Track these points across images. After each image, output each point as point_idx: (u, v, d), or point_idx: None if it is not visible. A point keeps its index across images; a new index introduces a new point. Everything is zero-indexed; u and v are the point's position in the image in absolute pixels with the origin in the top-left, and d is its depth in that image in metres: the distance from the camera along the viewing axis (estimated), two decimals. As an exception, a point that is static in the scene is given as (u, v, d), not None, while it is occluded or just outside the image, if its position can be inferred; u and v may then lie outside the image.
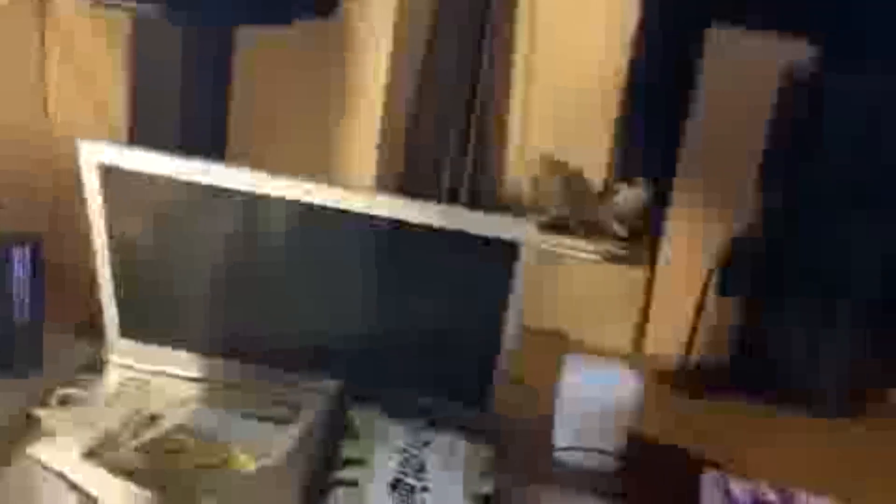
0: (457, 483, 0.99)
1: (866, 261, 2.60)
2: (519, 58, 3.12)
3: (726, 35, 2.73)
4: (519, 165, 3.18)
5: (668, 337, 2.77)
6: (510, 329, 1.11)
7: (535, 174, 3.11)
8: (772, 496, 1.09)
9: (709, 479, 1.16)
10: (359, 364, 1.14)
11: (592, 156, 3.15)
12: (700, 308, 2.70)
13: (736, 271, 2.69)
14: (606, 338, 2.82)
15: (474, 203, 3.03)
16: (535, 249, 1.11)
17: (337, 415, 1.07)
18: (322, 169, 2.73)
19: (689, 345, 2.69)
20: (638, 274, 2.87)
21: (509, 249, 1.07)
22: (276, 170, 1.16)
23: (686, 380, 2.64)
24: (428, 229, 1.08)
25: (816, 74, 2.64)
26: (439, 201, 1.12)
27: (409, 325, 1.13)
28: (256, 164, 1.17)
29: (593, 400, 1.20)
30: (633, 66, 3.06)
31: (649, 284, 2.86)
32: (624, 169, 3.13)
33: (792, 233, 2.63)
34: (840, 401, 2.61)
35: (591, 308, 2.84)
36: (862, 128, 2.58)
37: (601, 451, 1.19)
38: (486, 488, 1.02)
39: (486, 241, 1.07)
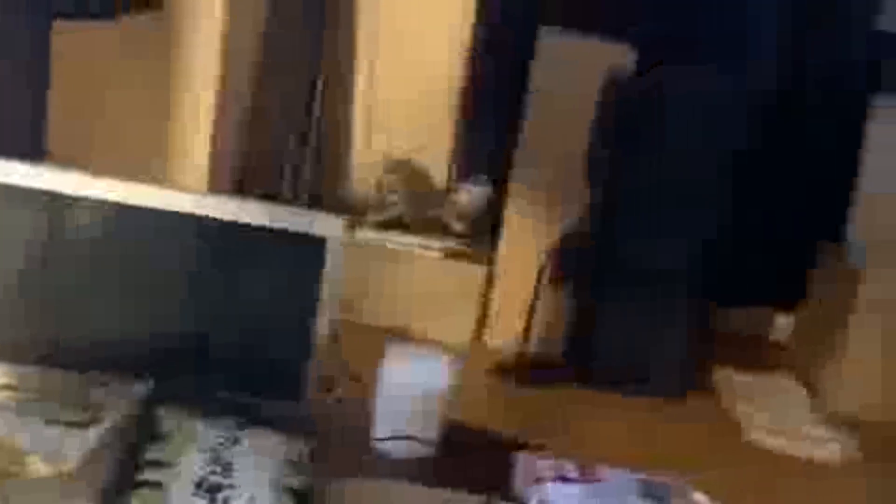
0: (265, 479, 0.99)
1: (683, 250, 2.77)
2: (362, 62, 3.13)
3: (555, 39, 2.84)
4: (363, 166, 3.20)
5: (507, 329, 2.86)
6: (324, 323, 1.11)
7: (379, 175, 3.14)
8: (573, 472, 1.14)
9: (518, 459, 1.21)
10: (170, 364, 1.12)
11: (435, 156, 3.21)
12: (535, 299, 2.79)
13: (569, 260, 2.80)
14: (448, 332, 2.87)
15: (315, 203, 3.02)
16: (346, 244, 1.12)
17: (145, 417, 1.04)
18: (152, 167, 2.65)
19: (525, 335, 2.78)
20: (478, 269, 2.94)
21: (319, 245, 1.07)
22: (101, 170, 1.13)
23: (520, 369, 2.73)
24: (236, 225, 1.07)
25: (636, 78, 2.79)
26: (277, 201, 1.11)
27: (222, 323, 1.12)
28: (81, 165, 1.14)
29: (411, 387, 1.22)
30: (472, 70, 3.14)
31: (489, 279, 2.94)
32: (465, 169, 3.20)
33: (615, 225, 2.77)
34: (666, 382, 2.76)
35: (432, 304, 2.89)
36: (677, 129, 2.74)
37: (417, 439, 1.22)
38: (300, 482, 1.02)
39: (296, 236, 1.07)
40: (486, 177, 3.08)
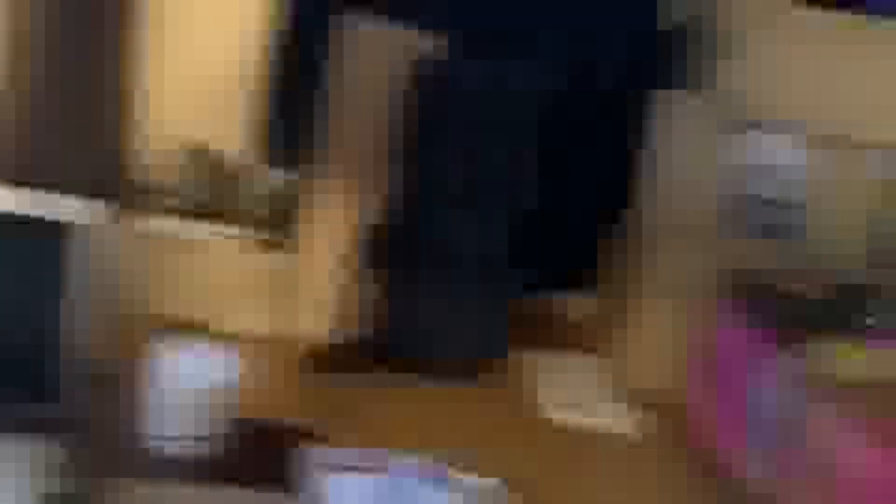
0: (19, 486, 0.89)
1: (479, 238, 2.81)
2: (153, 46, 2.96)
3: (356, 26, 2.80)
4: (157, 153, 3.03)
5: (309, 318, 2.79)
6: (83, 316, 1.01)
7: (174, 160, 2.98)
8: (356, 462, 1.11)
9: (301, 452, 1.16)
10: None
11: (232, 143, 3.08)
12: (337, 288, 2.75)
13: (369, 252, 2.78)
14: (252, 323, 2.78)
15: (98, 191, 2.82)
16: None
17: None
18: None
19: (328, 324, 2.74)
20: (279, 258, 2.86)
21: (63, 231, 0.97)
22: None
23: (322, 358, 2.68)
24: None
25: (435, 68, 2.81)
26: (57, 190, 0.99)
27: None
28: None
29: (185, 381, 1.14)
30: (271, 57, 3.04)
31: (291, 268, 2.86)
32: (266, 154, 3.10)
33: (413, 214, 2.78)
34: (460, 369, 2.80)
35: (233, 294, 2.78)
36: (471, 121, 2.78)
37: (195, 436, 1.14)
38: (59, 487, 0.93)
39: (43, 224, 0.96)
40: (285, 163, 3.00)
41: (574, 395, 2.83)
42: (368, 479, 1.06)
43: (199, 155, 2.96)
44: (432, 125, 2.77)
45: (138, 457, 1.14)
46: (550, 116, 2.90)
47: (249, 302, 2.78)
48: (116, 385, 1.18)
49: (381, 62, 2.76)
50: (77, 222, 0.95)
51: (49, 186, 0.98)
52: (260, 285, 2.81)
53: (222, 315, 2.70)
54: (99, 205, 0.97)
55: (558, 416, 2.68)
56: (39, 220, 0.94)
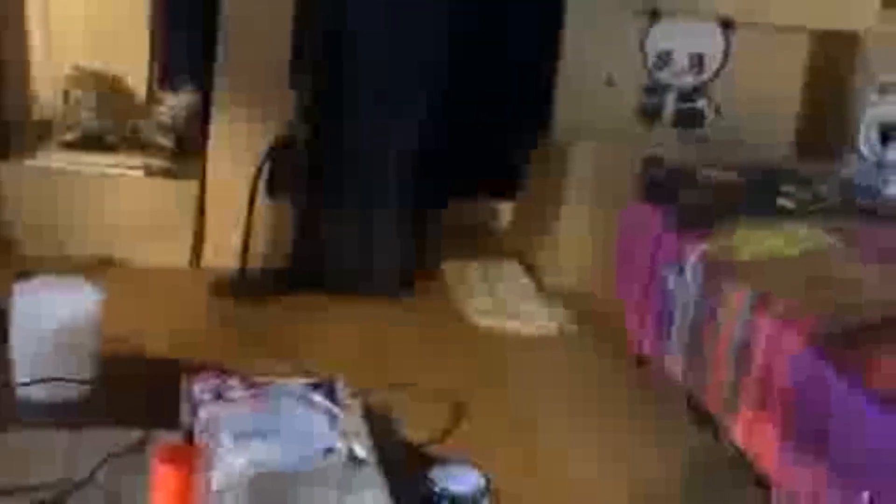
0: None
1: (395, 147, 2.75)
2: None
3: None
4: (47, 79, 2.88)
5: (223, 249, 2.72)
6: None
7: (67, 87, 2.83)
8: (237, 390, 1.07)
9: (182, 386, 1.12)
10: None
11: (132, 66, 2.94)
12: (249, 215, 2.67)
13: (279, 173, 2.70)
14: (162, 257, 2.70)
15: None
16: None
17: None
18: None
19: (244, 253, 2.67)
20: (189, 186, 2.76)
21: None
22: None
23: (240, 286, 2.62)
24: None
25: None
26: None
27: None
28: None
29: (49, 323, 1.09)
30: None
31: (201, 195, 2.77)
32: (167, 78, 2.97)
33: (324, 129, 2.69)
34: (388, 283, 2.77)
35: (142, 228, 2.68)
36: (376, 22, 2.68)
37: (64, 379, 1.09)
38: None
39: None
40: (188, 86, 2.87)
41: (500, 300, 2.82)
42: (248, 403, 1.02)
43: (94, 80, 2.82)
44: (335, 34, 2.66)
45: (5, 404, 1.09)
46: (463, 15, 2.81)
47: (155, 233, 2.69)
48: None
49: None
50: None
51: None
52: (165, 216, 2.73)
53: (136, 250, 2.63)
54: None
55: (485, 322, 2.68)
56: None
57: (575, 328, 2.71)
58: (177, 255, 2.73)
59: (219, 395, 1.06)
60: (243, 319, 2.50)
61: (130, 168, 2.70)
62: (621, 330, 2.49)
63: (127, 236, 2.67)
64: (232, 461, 0.80)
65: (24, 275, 1.16)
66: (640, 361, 2.41)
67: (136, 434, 1.05)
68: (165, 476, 0.76)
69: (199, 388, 1.10)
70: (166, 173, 2.74)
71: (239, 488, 0.76)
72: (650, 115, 3.08)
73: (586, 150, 2.92)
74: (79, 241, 2.59)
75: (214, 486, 0.79)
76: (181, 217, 2.75)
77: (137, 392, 1.16)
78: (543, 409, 2.29)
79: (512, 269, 3.06)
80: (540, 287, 2.94)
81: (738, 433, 1.85)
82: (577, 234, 2.93)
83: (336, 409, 0.91)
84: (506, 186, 3.32)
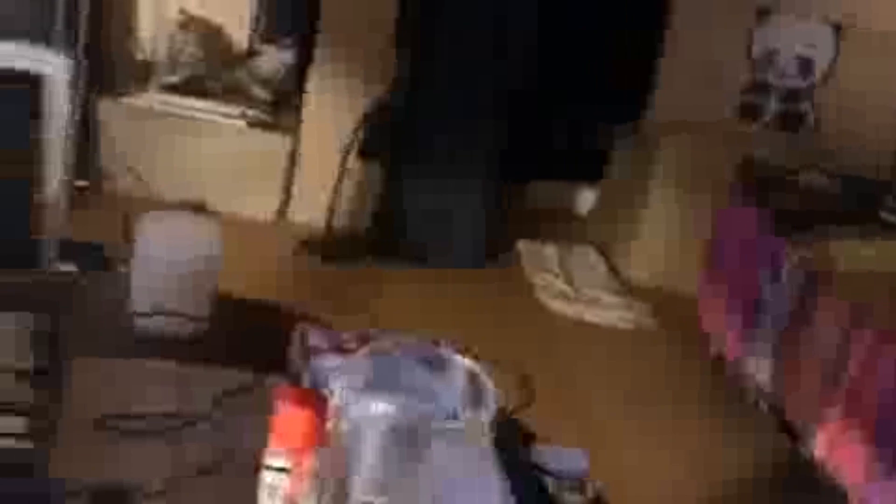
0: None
1: (483, 124, 2.73)
2: None
3: None
4: (154, 24, 2.92)
5: (312, 204, 2.74)
6: (52, 178, 0.96)
7: (171, 31, 2.88)
8: (352, 342, 1.07)
9: (295, 333, 1.13)
10: None
11: (235, 14, 2.97)
12: (341, 173, 2.69)
13: (373, 137, 2.71)
14: (250, 207, 2.73)
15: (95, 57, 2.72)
16: (66, 88, 0.95)
17: None
18: None
19: (331, 211, 2.69)
20: (281, 141, 2.79)
21: (36, 86, 0.90)
22: None
23: (324, 244, 2.65)
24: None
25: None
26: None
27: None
28: None
29: (171, 258, 1.10)
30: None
31: (294, 151, 2.80)
32: (269, 29, 2.99)
33: (420, 96, 2.68)
34: (466, 255, 2.76)
35: (233, 177, 2.72)
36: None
37: (181, 314, 1.11)
38: (31, 363, 0.90)
39: (16, 77, 0.89)
40: (290, 41, 2.89)
41: (576, 286, 2.80)
42: (363, 358, 1.02)
43: (198, 26, 2.86)
44: (440, 5, 2.65)
45: (122, 334, 1.11)
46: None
47: (247, 184, 2.72)
48: (98, 260, 1.13)
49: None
50: (51, 76, 0.88)
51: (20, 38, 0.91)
52: (258, 167, 2.75)
53: (224, 198, 2.66)
54: (67, 59, 0.90)
55: (559, 306, 2.66)
56: (12, 71, 0.88)
57: (651, 322, 2.68)
58: (265, 206, 2.76)
59: (332, 346, 1.06)
60: (322, 277, 2.52)
61: (228, 116, 2.74)
62: (698, 328, 2.45)
63: (219, 183, 2.70)
64: (357, 412, 0.80)
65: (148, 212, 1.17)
66: (717, 363, 2.37)
67: (247, 376, 1.05)
68: (290, 418, 0.76)
69: (312, 336, 1.10)
70: (262, 125, 2.77)
71: (369, 438, 0.77)
72: (751, 115, 3.01)
73: (681, 143, 2.87)
74: (172, 183, 2.63)
75: (343, 435, 0.79)
76: (272, 169, 2.78)
77: (244, 335, 1.17)
78: (611, 399, 2.27)
79: (590, 256, 3.02)
80: (617, 278, 2.91)
81: (820, 443, 1.81)
82: (661, 227, 2.89)
83: (456, 370, 0.90)
84: (592, 172, 3.29)
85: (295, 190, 2.80)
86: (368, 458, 0.76)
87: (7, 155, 0.92)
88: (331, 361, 1.03)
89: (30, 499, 0.77)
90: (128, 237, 1.20)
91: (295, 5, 2.94)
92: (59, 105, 0.89)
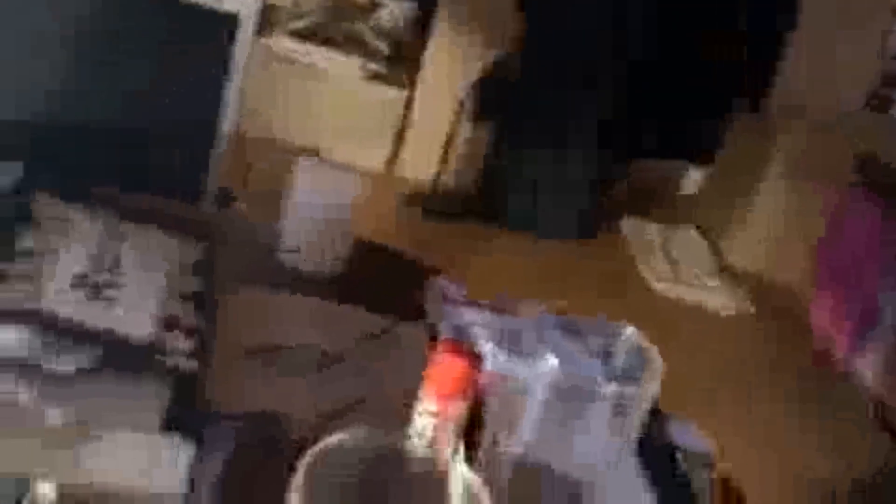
0: (156, 280, 0.89)
1: (598, 96, 2.69)
2: None
3: None
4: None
5: (421, 160, 2.76)
6: (229, 115, 0.99)
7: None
8: (485, 301, 1.08)
9: (432, 283, 1.15)
10: (48, 146, 0.98)
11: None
12: (453, 130, 2.70)
13: (490, 96, 2.70)
14: (361, 157, 2.75)
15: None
16: (258, 51, 0.98)
17: (18, 201, 0.92)
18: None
19: (440, 168, 2.70)
20: (397, 94, 2.81)
21: (227, 25, 0.93)
22: None
23: (434, 202, 2.66)
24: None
25: None
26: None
27: (111, 105, 0.98)
28: None
29: (320, 201, 1.13)
30: None
31: (407, 106, 2.81)
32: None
33: (540, 57, 2.65)
34: (570, 226, 2.75)
35: (347, 125, 2.75)
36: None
37: (325, 253, 1.14)
38: (193, 287, 0.93)
39: (201, 12, 0.92)
40: (412, -4, 2.90)
41: (679, 267, 2.77)
42: (500, 317, 1.03)
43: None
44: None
45: (267, 267, 1.14)
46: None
47: (359, 134, 2.75)
48: (260, 201, 1.17)
49: None
50: (239, 13, 0.91)
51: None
52: (371, 118, 2.78)
53: (337, 145, 2.69)
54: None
55: (661, 286, 2.64)
56: (210, 11, 0.91)
57: (751, 309, 2.64)
58: (375, 157, 2.79)
59: (470, 302, 1.08)
60: (425, 231, 2.54)
61: (346, 66, 2.76)
62: (798, 318, 2.40)
63: (332, 131, 2.74)
64: (518, 368, 0.81)
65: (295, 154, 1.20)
66: (820, 357, 2.33)
67: (385, 319, 1.08)
68: (446, 367, 0.78)
69: (447, 288, 1.12)
70: (379, 77, 2.79)
71: (534, 394, 0.78)
72: (878, 108, 2.91)
73: (801, 130, 2.79)
74: (288, 128, 2.68)
75: (504, 389, 0.80)
76: (386, 122, 2.80)
77: (379, 279, 1.19)
78: (706, 383, 2.25)
79: (694, 238, 2.98)
80: (719, 261, 2.86)
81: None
82: (770, 214, 2.82)
83: (611, 339, 0.90)
84: (702, 153, 3.22)
85: (406, 144, 2.82)
86: (530, 413, 0.77)
87: (198, 89, 0.95)
88: (471, 315, 1.05)
89: (191, 418, 0.80)
90: (246, 183, 1.22)
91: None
92: (244, 44, 0.92)
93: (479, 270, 2.32)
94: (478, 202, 2.72)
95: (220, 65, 0.95)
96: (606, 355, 0.81)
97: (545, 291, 2.41)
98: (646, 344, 0.84)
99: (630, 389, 0.76)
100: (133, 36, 0.97)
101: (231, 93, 0.96)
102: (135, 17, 0.96)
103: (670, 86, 2.97)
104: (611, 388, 0.77)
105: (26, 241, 0.86)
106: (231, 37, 0.93)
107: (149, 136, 1.00)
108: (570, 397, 0.76)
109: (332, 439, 0.65)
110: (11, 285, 0.81)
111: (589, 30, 2.64)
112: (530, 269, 2.52)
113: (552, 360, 0.78)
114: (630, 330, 0.85)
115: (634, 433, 0.80)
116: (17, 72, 0.99)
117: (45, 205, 0.91)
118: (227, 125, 0.97)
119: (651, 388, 0.79)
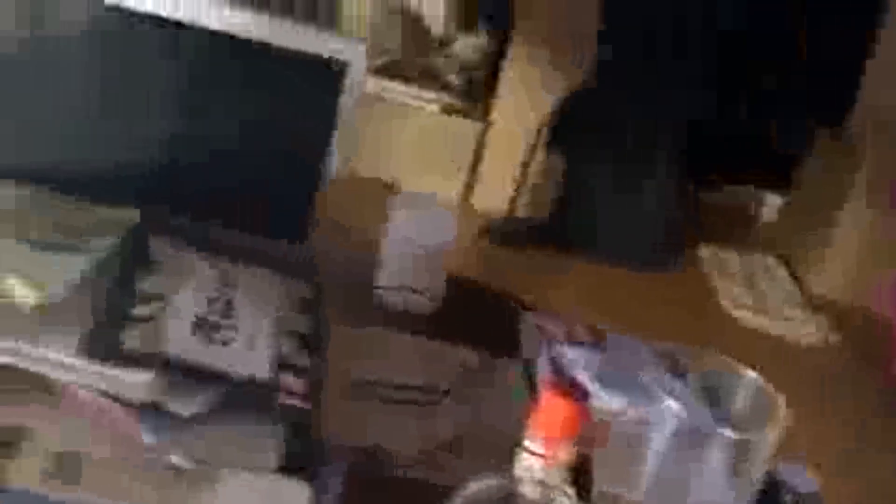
0: (268, 321, 0.92)
1: (673, 121, 2.68)
2: None
3: None
4: (357, 5, 3.02)
5: (495, 191, 2.78)
6: (333, 157, 1.02)
7: (373, 15, 2.96)
8: (584, 334, 1.09)
9: (527, 318, 1.15)
10: (163, 190, 1.02)
11: (433, 3, 3.03)
12: (527, 161, 2.71)
13: (564, 126, 2.71)
14: (435, 189, 2.79)
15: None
16: (363, 76, 1.01)
17: (135, 246, 0.96)
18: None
19: (515, 200, 2.72)
20: (472, 126, 2.83)
21: (336, 71, 0.97)
22: None
23: (509, 233, 2.67)
24: (247, 42, 0.96)
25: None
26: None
27: (221, 149, 1.02)
28: None
29: (417, 239, 1.15)
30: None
31: (481, 138, 2.83)
32: (465, 18, 3.03)
33: (609, 93, 2.65)
34: (645, 253, 2.72)
35: (420, 158, 2.79)
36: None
37: (421, 292, 1.15)
38: (302, 326, 0.96)
39: (312, 60, 0.96)
40: (486, 28, 2.93)
41: (760, 296, 2.72)
42: (599, 351, 1.03)
43: (399, 11, 2.93)
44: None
45: (364, 305, 1.16)
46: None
47: (434, 166, 2.78)
48: (352, 238, 1.19)
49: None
50: (350, 61, 0.94)
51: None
52: (446, 151, 2.81)
53: (412, 178, 2.73)
54: (361, 44, 0.96)
55: (742, 315, 2.60)
56: (318, 57, 0.94)
57: (836, 338, 2.58)
58: (450, 188, 2.81)
59: (564, 335, 1.08)
60: (500, 261, 2.55)
61: (422, 100, 2.80)
62: (888, 349, 2.34)
63: (408, 163, 2.78)
64: (636, 409, 0.81)
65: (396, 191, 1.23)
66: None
67: (483, 356, 1.09)
68: (552, 406, 0.78)
69: (543, 322, 1.13)
70: (454, 110, 2.82)
71: (652, 438, 0.77)
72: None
73: (886, 151, 2.73)
74: (370, 163, 2.72)
75: (621, 431, 0.80)
76: (460, 153, 2.83)
77: (473, 315, 1.21)
78: (794, 415, 2.19)
79: (774, 266, 2.93)
80: (804, 291, 2.80)
81: None
82: (853, 240, 2.76)
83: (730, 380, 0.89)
84: (778, 177, 3.18)
85: (481, 175, 2.84)
86: (644, 458, 0.77)
87: (307, 135, 0.98)
88: (571, 352, 1.05)
89: (306, 457, 0.82)
90: (340, 220, 1.25)
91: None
92: (353, 89, 0.95)
93: (558, 300, 2.32)
94: (552, 231, 2.73)
95: (327, 109, 0.98)
96: (722, 398, 0.80)
97: (624, 321, 2.39)
98: (769, 389, 0.83)
99: (751, 436, 0.75)
100: (242, 82, 1.01)
101: (337, 136, 0.99)
102: (245, 65, 1.00)
103: (743, 108, 2.94)
104: (731, 434, 0.77)
105: (146, 285, 0.90)
106: (338, 81, 0.97)
107: (256, 178, 1.04)
108: (687, 442, 0.76)
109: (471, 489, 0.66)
110: (135, 329, 0.84)
111: (663, 59, 2.63)
112: (606, 298, 2.51)
113: (670, 403, 0.78)
114: (751, 373, 0.84)
115: (755, 482, 0.79)
116: (131, 117, 1.04)
117: (162, 248, 0.95)
118: (333, 168, 1.00)
119: (773, 435, 0.78)
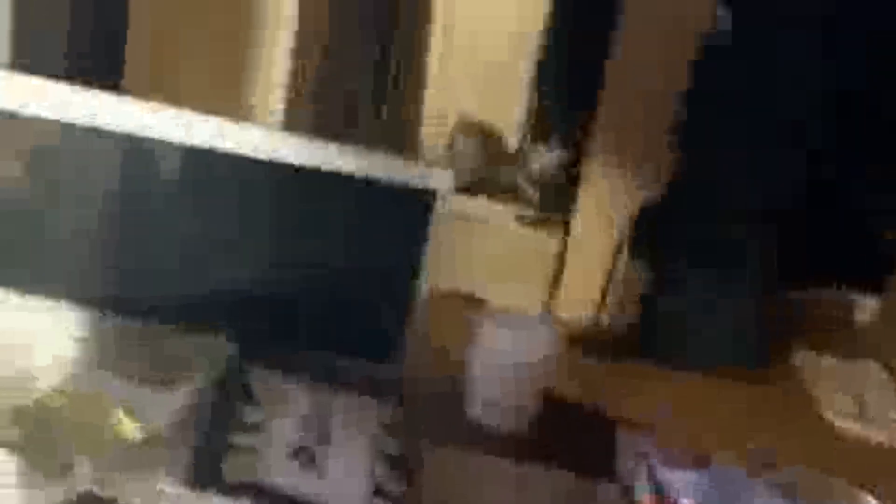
0: (363, 445, 0.92)
1: (759, 223, 2.63)
2: (438, 15, 3.03)
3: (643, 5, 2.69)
4: (435, 125, 3.11)
5: (578, 301, 2.76)
6: (422, 282, 1.04)
7: (451, 134, 3.05)
8: (682, 456, 1.05)
9: (624, 438, 1.12)
10: (257, 321, 1.05)
11: (509, 118, 3.10)
12: (611, 271, 2.69)
13: (646, 233, 2.69)
14: (517, 301, 2.78)
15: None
16: (449, 201, 1.03)
17: (232, 376, 0.98)
18: (224, 100, 2.59)
19: (600, 309, 2.69)
20: (551, 238, 2.84)
21: (424, 199, 1.00)
22: (171, 100, 1.06)
23: (595, 344, 2.64)
24: (335, 174, 1.00)
25: (720, 38, 2.63)
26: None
27: (313, 278, 1.05)
28: (153, 90, 1.07)
29: (509, 359, 1.14)
30: (552, 31, 3.01)
31: (562, 249, 2.84)
32: (541, 132, 3.09)
33: (697, 194, 2.63)
34: (741, 360, 2.64)
35: (502, 271, 2.80)
36: (760, 95, 2.58)
37: (513, 411, 1.14)
38: (395, 449, 0.95)
39: (400, 189, 0.99)
40: (562, 141, 2.97)
41: (862, 403, 2.60)
42: (701, 474, 1.00)
43: (475, 129, 3.01)
44: (715, 97, 2.61)
45: (456, 426, 1.15)
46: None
47: (515, 278, 2.79)
48: (440, 357, 1.20)
49: (670, 31, 2.63)
50: (437, 189, 0.97)
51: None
52: (527, 263, 2.82)
53: (494, 292, 2.74)
54: (448, 172, 0.99)
55: (843, 423, 2.48)
56: (404, 186, 0.97)
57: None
58: (532, 300, 2.81)
59: (665, 458, 1.05)
60: (588, 373, 2.50)
61: (503, 215, 2.84)
62: None
63: (488, 277, 2.79)
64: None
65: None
66: None
67: (580, 481, 1.06)
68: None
69: (640, 443, 1.09)
70: (532, 223, 2.84)
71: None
72: None
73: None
74: (446, 275, 2.74)
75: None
76: (541, 265, 2.83)
77: (566, 435, 1.18)
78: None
79: (874, 370, 2.81)
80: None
81: None
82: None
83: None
84: (872, 279, 3.07)
85: (563, 286, 2.83)
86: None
87: (399, 260, 1.01)
88: (672, 475, 1.02)
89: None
90: (430, 339, 1.25)
91: (566, 106, 3.03)
92: (441, 217, 0.97)
93: (651, 412, 2.26)
94: (639, 341, 2.68)
95: (418, 235, 1.00)
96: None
97: (717, 435, 2.31)
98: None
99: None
100: (333, 213, 1.05)
101: (425, 261, 1.00)
102: (336, 198, 1.03)
103: (830, 209, 2.88)
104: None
105: (245, 414, 0.91)
106: (428, 209, 0.99)
107: (349, 304, 1.06)
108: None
109: None
110: (237, 458, 0.85)
111: (747, 169, 2.61)
112: (702, 409, 2.43)
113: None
114: (870, 500, 0.80)
115: None
116: (228, 250, 1.07)
117: (261, 377, 0.97)
118: (424, 290, 1.02)
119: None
